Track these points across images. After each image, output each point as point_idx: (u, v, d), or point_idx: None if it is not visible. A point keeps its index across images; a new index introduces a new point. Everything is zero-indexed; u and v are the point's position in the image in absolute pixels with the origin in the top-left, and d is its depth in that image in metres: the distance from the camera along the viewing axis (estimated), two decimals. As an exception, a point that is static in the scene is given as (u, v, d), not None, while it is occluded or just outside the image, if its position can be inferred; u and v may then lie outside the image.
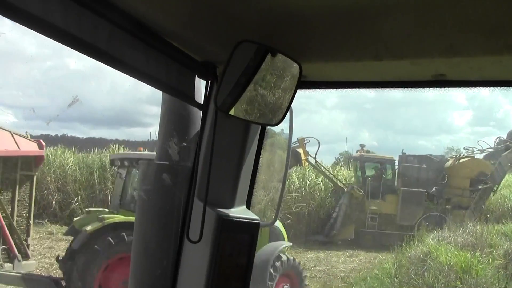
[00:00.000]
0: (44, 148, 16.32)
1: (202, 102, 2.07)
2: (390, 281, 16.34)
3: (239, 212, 2.14)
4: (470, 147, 27.79)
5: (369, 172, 26.87)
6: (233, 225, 2.06)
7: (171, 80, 1.93)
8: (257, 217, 2.14)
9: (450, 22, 1.63)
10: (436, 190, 26.25)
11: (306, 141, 24.00)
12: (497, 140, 26.69)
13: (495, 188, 26.56)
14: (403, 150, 28.21)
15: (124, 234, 11.28)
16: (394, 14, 1.63)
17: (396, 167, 27.58)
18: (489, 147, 26.72)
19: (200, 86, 2.09)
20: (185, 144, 2.19)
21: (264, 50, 1.81)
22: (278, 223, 12.59)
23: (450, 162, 27.41)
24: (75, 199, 25.41)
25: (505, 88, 2.07)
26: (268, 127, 2.24)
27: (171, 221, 2.14)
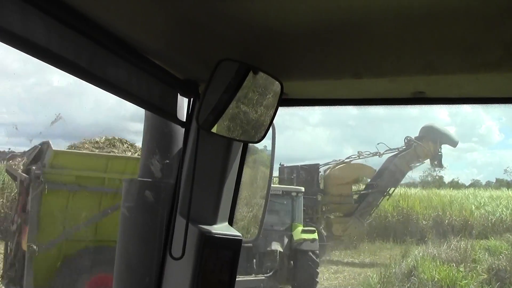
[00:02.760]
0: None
1: (184, 120, 2.08)
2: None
3: (221, 228, 2.14)
4: (365, 152, 26.44)
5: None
6: (216, 241, 2.06)
7: (153, 98, 1.94)
8: (239, 234, 2.15)
9: (428, 40, 1.67)
10: (310, 200, 24.08)
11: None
12: (405, 141, 25.75)
13: (390, 192, 25.90)
14: (280, 162, 26.64)
15: None
16: (372, 32, 1.65)
17: None
18: (388, 149, 25.70)
19: (183, 103, 2.10)
20: (168, 161, 2.20)
21: (245, 68, 1.82)
22: None
23: (326, 170, 26.51)
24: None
25: (483, 104, 2.10)
26: (250, 144, 2.26)
27: (154, 238, 2.14)
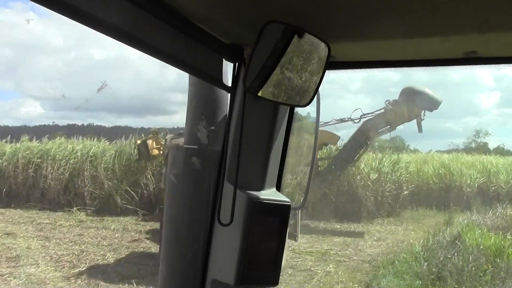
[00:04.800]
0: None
1: (229, 85, 2.06)
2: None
3: (269, 194, 2.13)
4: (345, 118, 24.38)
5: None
6: (264, 207, 2.05)
7: (198, 63, 1.92)
8: (287, 199, 2.13)
9: None
10: None
11: (163, 132, 23.84)
12: (385, 104, 23.07)
13: (355, 159, 23.90)
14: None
15: None
16: None
17: None
18: (363, 114, 22.79)
19: (227, 69, 2.08)
20: (214, 127, 2.18)
21: (291, 30, 1.79)
22: None
23: None
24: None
25: None
26: (296, 109, 2.23)
27: (201, 205, 2.14)
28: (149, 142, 23.82)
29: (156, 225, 19.69)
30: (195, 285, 2.14)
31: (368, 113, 22.65)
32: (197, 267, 2.14)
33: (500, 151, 39.33)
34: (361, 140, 22.65)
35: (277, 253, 2.11)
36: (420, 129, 22.34)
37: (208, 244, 2.13)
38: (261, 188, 2.12)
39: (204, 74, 1.99)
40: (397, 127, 22.84)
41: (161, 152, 23.67)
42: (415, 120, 21.92)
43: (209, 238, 2.13)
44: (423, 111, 22.12)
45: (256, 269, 2.07)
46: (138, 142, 24.55)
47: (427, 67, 2.13)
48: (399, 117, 22.38)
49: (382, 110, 22.60)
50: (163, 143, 23.83)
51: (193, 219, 2.16)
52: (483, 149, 39.00)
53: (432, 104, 22.08)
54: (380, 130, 22.71)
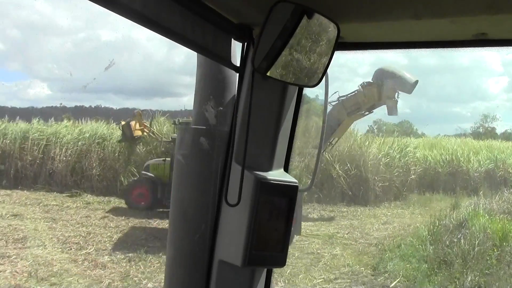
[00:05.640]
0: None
1: (238, 65, 2.05)
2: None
3: (277, 175, 2.12)
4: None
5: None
6: (272, 188, 2.04)
7: (207, 42, 1.91)
8: (295, 180, 2.13)
9: None
10: None
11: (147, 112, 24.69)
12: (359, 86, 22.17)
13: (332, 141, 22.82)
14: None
15: None
16: None
17: None
18: (340, 96, 21.91)
19: (236, 49, 2.07)
20: (222, 108, 2.17)
21: (300, 10, 1.78)
22: None
23: None
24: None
25: None
26: (304, 91, 2.22)
27: (209, 185, 2.13)
28: (132, 123, 24.28)
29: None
30: (202, 265, 2.15)
31: (344, 95, 21.95)
32: (205, 247, 2.14)
33: (508, 136, 39.18)
34: (332, 124, 21.50)
35: (284, 234, 2.11)
36: (391, 111, 21.38)
37: (215, 225, 2.13)
38: (268, 168, 2.11)
39: (212, 54, 1.98)
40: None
41: (145, 133, 24.30)
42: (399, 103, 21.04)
43: (216, 218, 2.13)
44: (396, 93, 21.28)
45: (263, 250, 2.06)
46: (123, 123, 25.02)
47: (436, 49, 2.12)
48: (369, 99, 21.54)
49: (355, 92, 21.85)
50: (147, 124, 24.69)
51: (200, 200, 2.16)
52: (490, 134, 38.90)
53: (405, 85, 21.03)
54: (350, 112, 21.75)
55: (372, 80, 21.76)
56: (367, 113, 22.18)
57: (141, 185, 21.66)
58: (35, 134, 26.13)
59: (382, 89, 21.16)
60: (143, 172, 22.37)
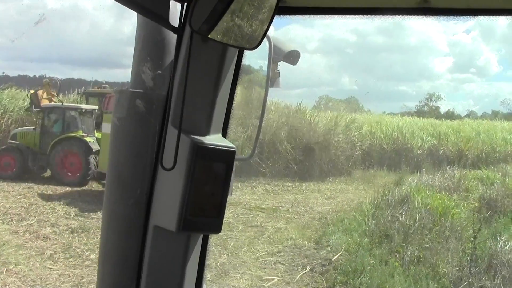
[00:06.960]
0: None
1: (177, 26, 1.99)
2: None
3: (214, 139, 2.09)
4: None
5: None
6: (208, 152, 2.01)
7: (145, 1, 1.85)
8: (233, 145, 2.10)
9: None
10: None
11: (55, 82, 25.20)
12: None
13: None
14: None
15: None
16: None
17: None
18: None
19: (175, 9, 2.01)
20: (160, 71, 2.12)
21: None
22: None
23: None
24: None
25: (491, 16, 2.02)
26: (245, 57, 2.19)
27: (145, 149, 2.09)
28: (40, 92, 24.24)
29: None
30: (137, 231, 2.11)
31: None
32: (140, 212, 2.10)
33: (450, 115, 40.13)
34: None
35: (221, 200, 2.09)
36: (273, 83, 20.53)
37: (151, 190, 2.09)
38: (206, 133, 2.08)
39: (150, 13, 1.91)
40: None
41: (52, 102, 24.26)
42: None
43: (152, 183, 2.09)
44: (278, 65, 20.88)
45: (198, 215, 2.04)
46: (31, 91, 25.05)
47: (379, 15, 2.11)
48: None
49: None
50: (54, 94, 24.79)
51: (136, 164, 2.11)
52: (434, 112, 39.73)
53: (288, 57, 20.21)
54: None
55: None
56: None
57: (7, 154, 21.87)
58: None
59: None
60: (9, 140, 22.67)
